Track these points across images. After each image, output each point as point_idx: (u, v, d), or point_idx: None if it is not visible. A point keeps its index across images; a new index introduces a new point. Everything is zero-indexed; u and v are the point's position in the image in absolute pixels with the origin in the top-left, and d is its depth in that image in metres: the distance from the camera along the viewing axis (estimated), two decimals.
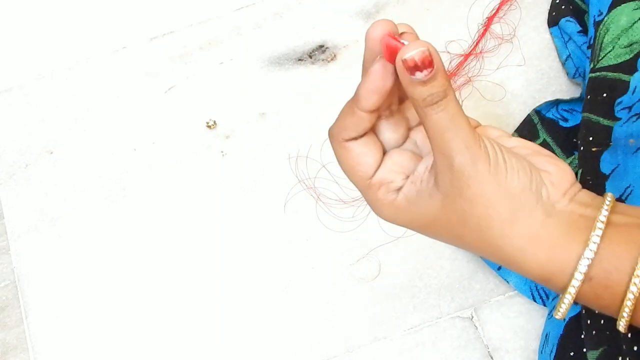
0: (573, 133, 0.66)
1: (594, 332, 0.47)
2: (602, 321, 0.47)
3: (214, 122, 0.76)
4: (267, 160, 0.74)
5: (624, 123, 0.51)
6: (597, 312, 0.46)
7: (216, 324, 0.69)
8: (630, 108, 0.51)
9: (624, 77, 0.53)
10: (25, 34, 0.82)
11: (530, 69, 0.74)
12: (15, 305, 0.71)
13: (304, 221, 0.72)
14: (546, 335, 0.59)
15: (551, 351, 0.56)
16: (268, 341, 0.68)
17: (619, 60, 0.53)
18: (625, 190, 0.51)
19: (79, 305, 0.71)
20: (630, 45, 0.53)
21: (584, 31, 0.69)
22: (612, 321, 0.40)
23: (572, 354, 0.53)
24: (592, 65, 0.57)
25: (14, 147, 0.78)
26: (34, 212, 0.75)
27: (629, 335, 0.43)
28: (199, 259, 0.72)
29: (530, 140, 0.49)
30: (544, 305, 0.64)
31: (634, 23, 0.53)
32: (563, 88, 0.73)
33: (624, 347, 0.43)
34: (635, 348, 0.43)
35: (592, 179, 0.55)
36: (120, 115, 0.78)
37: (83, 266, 0.72)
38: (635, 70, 0.52)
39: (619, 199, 0.51)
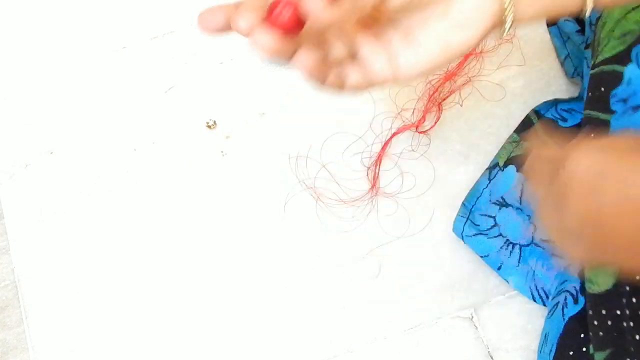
0: (572, 133, 0.65)
1: (600, 333, 0.47)
2: (609, 322, 0.46)
3: (214, 122, 0.76)
4: (267, 160, 0.74)
5: (620, 116, 0.51)
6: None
7: (216, 324, 0.69)
8: (625, 100, 0.50)
9: (618, 68, 0.52)
10: (25, 34, 0.82)
11: (530, 69, 0.74)
12: (15, 305, 0.71)
13: (304, 221, 0.72)
14: (545, 335, 0.59)
15: (550, 350, 0.56)
16: (268, 341, 0.68)
17: (614, 52, 0.52)
18: None
19: (79, 305, 0.71)
20: (624, 35, 0.52)
21: (583, 31, 0.69)
22: (619, 323, 0.39)
23: (571, 353, 0.53)
24: (592, 62, 0.57)
25: (14, 147, 0.78)
26: (34, 212, 0.75)
27: (637, 337, 0.43)
28: (199, 259, 0.72)
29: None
30: (544, 305, 0.64)
31: (626, 13, 0.52)
32: (563, 88, 0.73)
33: (632, 349, 0.43)
34: None
35: None
36: (120, 115, 0.78)
37: (83, 266, 0.72)
38: (629, 61, 0.51)
39: None
